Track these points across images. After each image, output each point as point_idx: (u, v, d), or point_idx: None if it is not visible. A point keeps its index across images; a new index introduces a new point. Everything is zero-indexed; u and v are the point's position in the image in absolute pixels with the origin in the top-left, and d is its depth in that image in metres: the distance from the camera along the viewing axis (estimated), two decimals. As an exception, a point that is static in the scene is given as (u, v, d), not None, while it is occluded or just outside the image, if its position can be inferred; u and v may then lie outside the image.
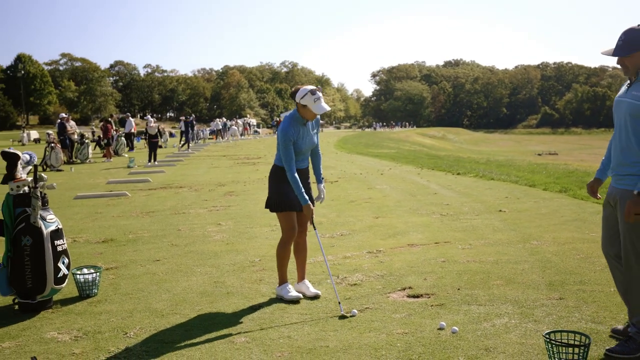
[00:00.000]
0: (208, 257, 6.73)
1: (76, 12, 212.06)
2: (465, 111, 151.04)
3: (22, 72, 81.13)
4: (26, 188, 4.96)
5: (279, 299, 5.14)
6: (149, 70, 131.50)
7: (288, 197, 5.05)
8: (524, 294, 5.05)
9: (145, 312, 4.88)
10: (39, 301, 4.93)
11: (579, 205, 9.52)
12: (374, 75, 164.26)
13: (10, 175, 4.95)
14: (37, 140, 47.77)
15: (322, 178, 5.36)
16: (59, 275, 4.98)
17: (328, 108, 4.98)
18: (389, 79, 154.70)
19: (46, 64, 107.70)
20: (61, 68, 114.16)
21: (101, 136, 26.86)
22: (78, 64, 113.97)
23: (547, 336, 3.55)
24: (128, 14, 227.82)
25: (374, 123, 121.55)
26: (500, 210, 9.28)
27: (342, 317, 4.66)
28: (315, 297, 5.14)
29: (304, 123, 5.04)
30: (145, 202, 11.42)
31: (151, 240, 7.71)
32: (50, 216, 5.02)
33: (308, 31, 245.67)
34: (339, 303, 4.84)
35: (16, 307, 5.01)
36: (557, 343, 3.47)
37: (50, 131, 22.74)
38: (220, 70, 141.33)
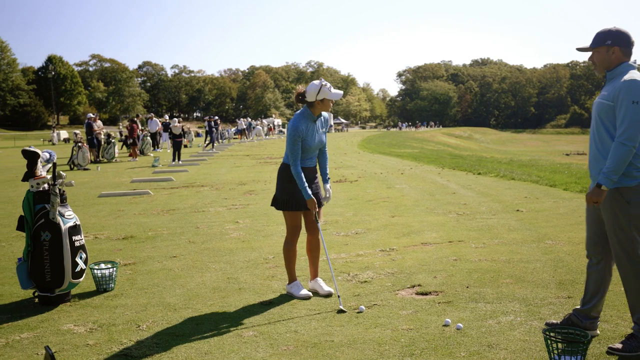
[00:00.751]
0: (223, 254, 6.87)
1: (106, 14, 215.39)
2: (493, 111, 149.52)
3: (53, 73, 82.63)
4: (46, 185, 5.13)
5: (289, 296, 5.24)
6: (177, 71, 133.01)
7: (295, 196, 5.13)
8: (532, 293, 5.07)
9: (158, 306, 5.02)
10: (58, 294, 5.09)
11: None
12: (399, 75, 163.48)
13: (31, 173, 5.13)
14: (66, 140, 48.68)
15: (328, 178, 5.43)
16: (76, 270, 5.14)
17: (341, 92, 5.11)
18: (415, 79, 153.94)
19: (76, 64, 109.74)
20: (91, 69, 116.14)
21: (127, 136, 27.28)
22: (107, 64, 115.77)
23: (546, 333, 3.59)
24: (156, 16, 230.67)
25: (399, 123, 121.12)
26: (518, 210, 9.25)
27: (341, 311, 4.74)
28: (329, 296, 5.22)
29: (314, 120, 5.12)
30: (167, 200, 11.62)
31: (169, 238, 7.87)
32: (69, 212, 5.18)
33: (334, 31, 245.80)
34: (339, 297, 4.93)
35: (36, 300, 5.18)
36: (554, 339, 3.50)
37: (77, 131, 23.18)
38: (247, 71, 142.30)
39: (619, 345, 3.77)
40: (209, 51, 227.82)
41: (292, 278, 5.31)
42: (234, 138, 51.19)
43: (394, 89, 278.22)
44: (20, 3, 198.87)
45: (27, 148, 5.19)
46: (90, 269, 5.47)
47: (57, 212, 5.05)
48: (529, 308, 4.69)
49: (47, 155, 5.26)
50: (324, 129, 5.27)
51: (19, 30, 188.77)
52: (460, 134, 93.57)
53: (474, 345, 3.98)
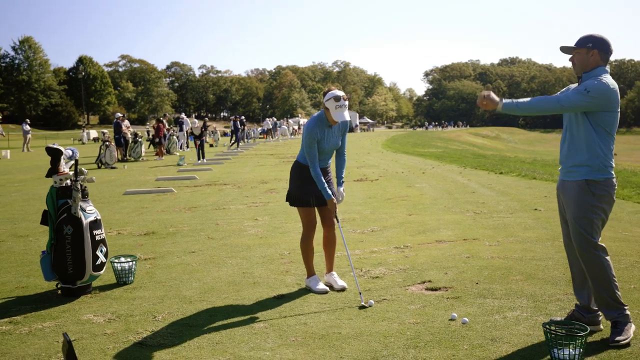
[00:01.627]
0: (241, 249, 7.03)
1: (136, 16, 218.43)
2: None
3: (83, 73, 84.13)
4: (68, 181, 5.35)
5: (305, 290, 5.36)
6: (204, 71, 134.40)
7: (307, 193, 5.27)
8: (541, 289, 5.13)
9: (175, 298, 5.19)
10: (79, 286, 5.30)
11: (618, 205, 9.38)
12: (426, 75, 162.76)
13: (54, 169, 5.35)
14: (96, 139, 49.53)
15: (343, 181, 5.53)
16: (97, 263, 5.35)
17: (347, 118, 5.16)
18: (442, 78, 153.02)
19: (106, 65, 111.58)
20: (120, 69, 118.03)
21: (154, 135, 27.71)
22: (136, 65, 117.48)
23: (546, 326, 3.66)
24: (185, 16, 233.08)
25: (426, 123, 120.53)
26: (536, 209, 9.25)
27: (362, 307, 4.85)
28: (342, 290, 5.33)
29: (329, 125, 5.24)
30: (190, 198, 11.85)
31: (189, 234, 8.07)
32: (90, 207, 5.39)
33: (361, 30, 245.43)
34: (360, 294, 5.02)
35: (59, 291, 5.40)
36: (555, 332, 3.57)
37: (105, 130, 23.65)
38: (273, 71, 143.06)
39: (615, 337, 3.90)
40: (237, 51, 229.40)
41: (310, 272, 5.44)
42: (260, 137, 51.59)
43: (420, 88, 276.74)
44: (53, 5, 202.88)
45: (51, 145, 5.41)
46: (111, 262, 5.68)
47: (79, 207, 5.25)
48: (536, 304, 4.75)
49: (70, 152, 5.47)
50: (340, 133, 5.38)
51: (51, 32, 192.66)
52: (487, 133, 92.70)
53: (478, 339, 4.06)
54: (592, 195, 3.93)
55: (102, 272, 5.48)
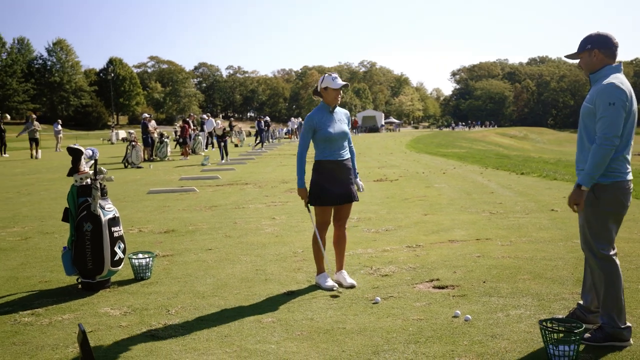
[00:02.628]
0: (256, 247, 7.20)
1: (164, 17, 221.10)
2: (550, 110, 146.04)
3: (112, 75, 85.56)
4: (88, 180, 5.57)
5: (314, 287, 5.50)
6: (231, 72, 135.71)
7: (326, 192, 5.36)
8: (547, 289, 5.19)
9: (189, 293, 5.38)
10: (98, 281, 5.53)
11: (637, 205, 9.33)
12: (453, 74, 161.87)
13: (75, 169, 5.58)
14: (124, 139, 50.33)
15: (357, 173, 5.67)
16: (115, 259, 5.56)
17: (345, 83, 5.38)
18: (470, 78, 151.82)
19: (135, 66, 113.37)
20: (149, 70, 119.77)
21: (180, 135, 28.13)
22: (165, 66, 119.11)
23: (543, 323, 3.74)
24: (212, 18, 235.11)
25: (453, 123, 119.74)
26: (552, 210, 9.26)
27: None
28: (351, 287, 5.46)
29: (330, 110, 5.39)
30: (211, 197, 12.09)
31: (208, 232, 8.27)
32: (109, 205, 5.61)
33: (387, 30, 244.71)
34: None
35: (79, 286, 5.63)
36: (550, 329, 3.65)
37: (131, 131, 24.12)
38: (300, 71, 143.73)
39: (587, 335, 3.97)
40: (263, 52, 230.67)
41: (320, 270, 5.57)
42: (285, 137, 51.91)
43: (448, 88, 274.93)
44: (85, 8, 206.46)
45: (72, 145, 5.64)
46: (129, 258, 5.89)
47: (98, 205, 5.47)
48: (540, 303, 4.82)
49: (90, 152, 5.69)
50: (344, 120, 5.51)
51: (83, 34, 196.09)
52: (515, 134, 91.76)
53: (478, 335, 4.16)
54: (597, 200, 3.89)
55: (120, 267, 5.70)
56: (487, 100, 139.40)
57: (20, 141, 37.82)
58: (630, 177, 3.95)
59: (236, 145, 37.58)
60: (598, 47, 3.96)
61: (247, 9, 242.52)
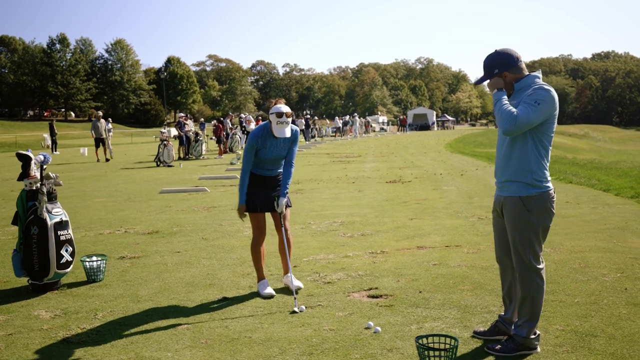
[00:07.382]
0: (222, 251, 7.27)
1: (223, 17, 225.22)
2: (616, 107, 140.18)
3: (165, 73, 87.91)
4: (38, 184, 5.77)
5: (255, 293, 5.52)
6: (288, 69, 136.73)
7: (256, 199, 5.49)
8: (479, 300, 5.05)
9: (127, 297, 5.49)
10: (46, 283, 5.72)
11: (638, 214, 8.89)
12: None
13: (25, 173, 5.79)
14: (176, 137, 51.55)
15: (286, 192, 5.59)
16: (61, 262, 5.74)
17: (287, 135, 5.38)
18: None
19: (194, 65, 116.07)
20: (207, 69, 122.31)
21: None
22: (223, 64, 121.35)
23: (418, 341, 3.65)
24: (270, 16, 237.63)
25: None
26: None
27: (293, 312, 4.96)
28: (298, 289, 5.49)
29: (274, 136, 5.40)
30: (217, 197, 12.26)
31: (188, 234, 8.40)
32: (57, 209, 5.79)
33: (444, 26, 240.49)
34: (295, 299, 5.14)
35: (30, 287, 5.84)
36: (423, 347, 3.56)
37: (164, 130, 24.70)
38: (356, 68, 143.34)
39: (498, 346, 3.92)
40: (320, 49, 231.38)
41: (260, 277, 5.62)
42: (332, 135, 51.93)
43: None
44: (145, 8, 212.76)
45: (21, 152, 5.85)
46: (81, 261, 6.07)
47: (45, 209, 5.66)
48: (462, 315, 4.70)
49: (42, 157, 5.89)
50: (288, 144, 5.52)
51: (142, 34, 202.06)
52: (575, 132, 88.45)
53: (376, 348, 4.10)
54: (528, 212, 3.84)
55: (68, 270, 5.88)
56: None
57: (78, 138, 39.28)
58: (552, 186, 3.94)
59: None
60: (506, 70, 3.92)
61: (305, 8, 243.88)
